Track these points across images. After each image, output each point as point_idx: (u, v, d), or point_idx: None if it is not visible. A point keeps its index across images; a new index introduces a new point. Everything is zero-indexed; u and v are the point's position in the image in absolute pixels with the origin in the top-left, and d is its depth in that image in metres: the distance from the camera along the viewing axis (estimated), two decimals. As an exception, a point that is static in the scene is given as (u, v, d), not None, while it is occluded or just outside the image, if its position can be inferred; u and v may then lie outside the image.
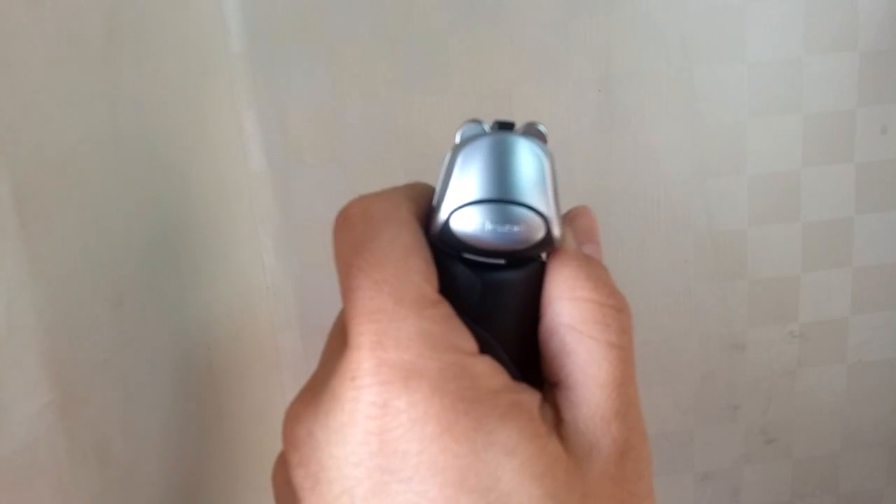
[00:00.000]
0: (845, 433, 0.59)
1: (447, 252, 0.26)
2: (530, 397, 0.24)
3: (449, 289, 0.25)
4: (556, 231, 0.26)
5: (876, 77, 0.51)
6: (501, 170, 0.25)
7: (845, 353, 0.57)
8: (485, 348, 0.25)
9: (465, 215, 0.25)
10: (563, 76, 0.50)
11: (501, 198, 0.25)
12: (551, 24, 0.49)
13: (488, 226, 0.25)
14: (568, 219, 0.28)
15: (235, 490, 0.40)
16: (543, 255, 0.27)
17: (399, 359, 0.23)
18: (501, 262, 0.26)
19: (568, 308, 0.25)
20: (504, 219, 0.25)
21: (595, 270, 0.26)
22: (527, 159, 0.25)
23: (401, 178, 0.49)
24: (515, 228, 0.25)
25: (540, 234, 0.25)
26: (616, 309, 0.25)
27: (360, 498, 0.23)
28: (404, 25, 0.48)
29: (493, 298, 0.26)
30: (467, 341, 0.24)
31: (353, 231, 0.25)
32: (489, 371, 0.24)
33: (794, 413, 0.58)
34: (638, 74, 0.50)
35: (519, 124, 0.27)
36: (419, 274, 0.24)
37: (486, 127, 0.26)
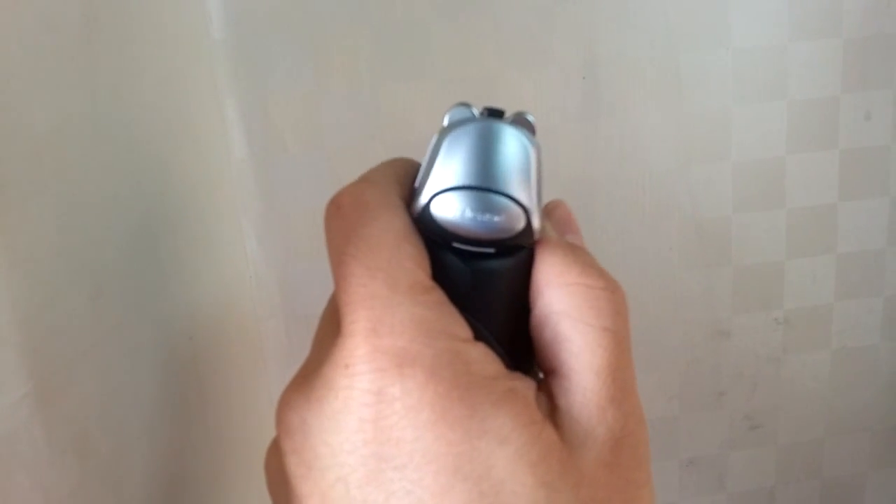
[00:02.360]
0: (829, 419, 0.60)
1: (436, 241, 0.26)
2: (525, 384, 0.24)
3: (439, 278, 0.25)
4: (537, 223, 0.26)
5: (860, 64, 0.52)
6: (487, 157, 0.25)
7: (829, 340, 0.58)
8: (477, 337, 0.25)
9: (446, 200, 0.25)
10: (547, 63, 0.50)
11: (484, 186, 0.25)
12: (535, 11, 0.49)
13: (468, 213, 0.25)
14: (545, 212, 0.28)
15: (220, 481, 0.40)
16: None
17: (393, 345, 0.23)
18: (491, 250, 0.26)
19: (559, 295, 0.25)
20: (485, 207, 0.25)
21: (581, 256, 0.26)
22: (514, 149, 0.25)
23: (384, 166, 0.49)
24: (496, 218, 0.25)
25: (520, 225, 0.25)
26: (609, 290, 0.25)
27: (354, 485, 0.23)
28: (387, 12, 0.48)
29: (484, 287, 0.26)
30: (461, 328, 0.24)
31: (345, 219, 0.25)
32: (484, 358, 0.24)
33: (778, 399, 0.58)
34: (623, 61, 0.50)
35: (508, 112, 0.26)
36: (412, 260, 0.24)
37: (476, 111, 0.26)
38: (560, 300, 0.25)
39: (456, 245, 0.26)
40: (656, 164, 0.52)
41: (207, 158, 0.45)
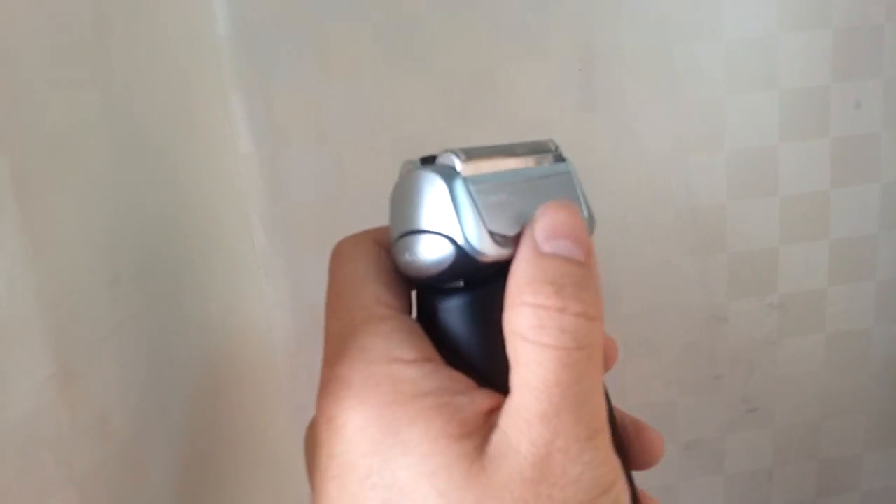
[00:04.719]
0: (825, 401, 0.60)
1: (417, 282, 0.28)
2: (469, 401, 0.25)
3: (421, 314, 0.28)
4: (478, 247, 0.26)
5: (849, 53, 0.52)
6: (406, 203, 0.27)
7: (824, 324, 0.58)
8: (448, 360, 0.27)
9: (396, 250, 0.28)
10: (544, 56, 0.51)
11: (409, 229, 0.27)
12: (532, 5, 0.50)
13: (407, 256, 0.27)
14: (532, 220, 0.28)
15: (235, 465, 0.41)
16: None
17: (337, 374, 0.26)
18: (460, 284, 0.27)
19: (511, 316, 0.25)
20: (414, 248, 0.27)
21: (539, 271, 0.25)
22: (423, 188, 0.26)
23: (387, 159, 0.50)
24: (424, 255, 0.26)
25: (449, 254, 0.26)
26: (556, 310, 0.24)
27: (317, 495, 0.26)
28: (388, 7, 0.49)
29: (454, 319, 0.27)
30: (409, 351, 0.26)
31: (330, 272, 0.29)
32: (422, 376, 0.25)
33: (774, 382, 0.59)
34: (618, 53, 0.51)
35: (440, 153, 0.27)
36: (372, 297, 0.27)
37: (413, 165, 0.28)
38: (511, 320, 0.25)
39: (431, 283, 0.28)
40: (652, 154, 0.53)
41: (214, 153, 0.46)
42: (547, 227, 0.26)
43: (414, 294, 0.29)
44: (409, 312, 0.29)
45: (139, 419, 0.30)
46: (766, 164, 0.54)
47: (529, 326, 0.25)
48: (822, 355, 0.59)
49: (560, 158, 0.30)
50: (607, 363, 0.32)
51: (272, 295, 0.52)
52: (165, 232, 0.35)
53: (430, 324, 0.28)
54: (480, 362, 0.27)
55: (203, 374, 0.38)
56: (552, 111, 0.51)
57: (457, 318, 0.27)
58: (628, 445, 0.32)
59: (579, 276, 0.26)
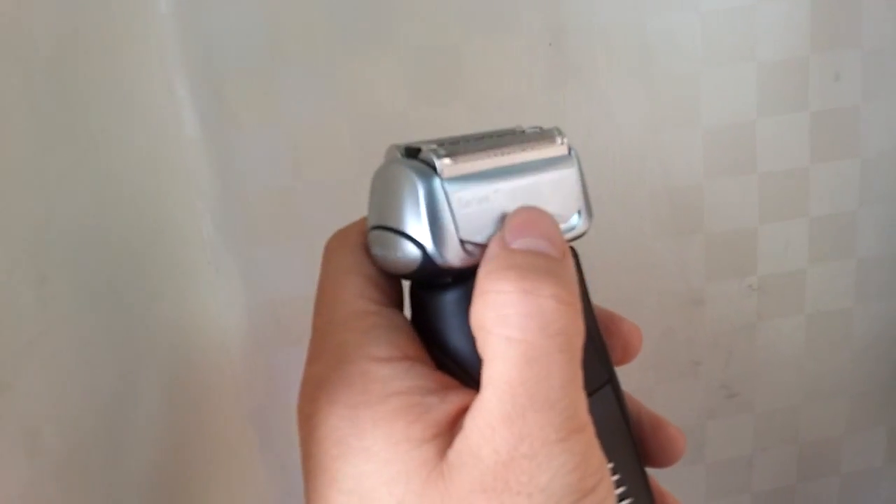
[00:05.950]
0: (805, 384, 0.60)
1: (407, 277, 0.28)
2: (440, 400, 0.24)
3: (413, 310, 0.28)
4: (445, 254, 0.25)
5: (828, 23, 0.51)
6: (384, 197, 0.27)
7: (803, 304, 0.57)
8: (436, 359, 0.26)
9: (370, 239, 0.28)
10: (512, 31, 0.48)
11: (380, 224, 0.27)
12: (498, -24, 0.47)
13: (378, 250, 0.27)
14: (506, 221, 0.26)
15: (187, 478, 0.39)
16: None
17: (314, 372, 0.26)
18: (448, 280, 0.26)
19: (475, 306, 0.24)
20: (384, 244, 0.26)
21: (506, 260, 0.24)
22: (400, 186, 0.26)
23: (345, 141, 0.47)
24: (393, 254, 0.26)
25: (416, 257, 0.25)
26: (520, 293, 0.23)
27: (304, 492, 0.26)
28: (344, -21, 0.46)
29: (440, 315, 0.27)
30: (387, 348, 0.25)
31: (320, 267, 0.28)
32: (394, 375, 0.25)
33: (754, 366, 0.58)
34: (589, 27, 0.49)
35: (424, 145, 0.26)
36: (354, 291, 0.27)
37: (399, 153, 0.27)
38: (476, 311, 0.24)
39: (420, 279, 0.27)
40: (626, 132, 0.51)
41: (156, 137, 0.43)
42: (516, 227, 0.25)
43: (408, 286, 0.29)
44: (400, 306, 0.28)
45: (75, 433, 0.28)
46: (744, 141, 0.53)
47: (492, 317, 0.23)
48: (801, 337, 0.58)
49: (563, 149, 0.28)
50: (629, 352, 0.32)
51: (224, 291, 0.49)
52: (101, 225, 0.33)
53: (419, 319, 0.27)
54: (467, 360, 0.26)
55: (150, 379, 0.36)
56: (521, 88, 0.49)
57: (442, 313, 0.27)
58: (645, 442, 0.32)
59: (550, 265, 0.24)
